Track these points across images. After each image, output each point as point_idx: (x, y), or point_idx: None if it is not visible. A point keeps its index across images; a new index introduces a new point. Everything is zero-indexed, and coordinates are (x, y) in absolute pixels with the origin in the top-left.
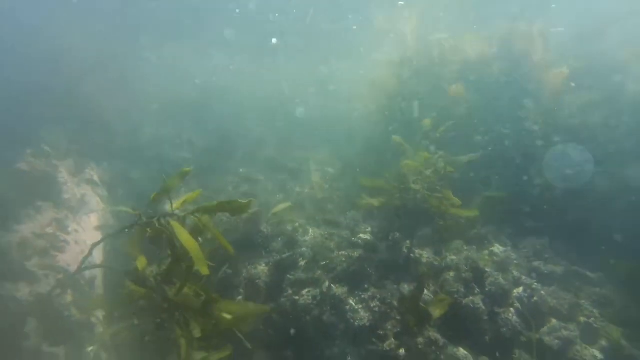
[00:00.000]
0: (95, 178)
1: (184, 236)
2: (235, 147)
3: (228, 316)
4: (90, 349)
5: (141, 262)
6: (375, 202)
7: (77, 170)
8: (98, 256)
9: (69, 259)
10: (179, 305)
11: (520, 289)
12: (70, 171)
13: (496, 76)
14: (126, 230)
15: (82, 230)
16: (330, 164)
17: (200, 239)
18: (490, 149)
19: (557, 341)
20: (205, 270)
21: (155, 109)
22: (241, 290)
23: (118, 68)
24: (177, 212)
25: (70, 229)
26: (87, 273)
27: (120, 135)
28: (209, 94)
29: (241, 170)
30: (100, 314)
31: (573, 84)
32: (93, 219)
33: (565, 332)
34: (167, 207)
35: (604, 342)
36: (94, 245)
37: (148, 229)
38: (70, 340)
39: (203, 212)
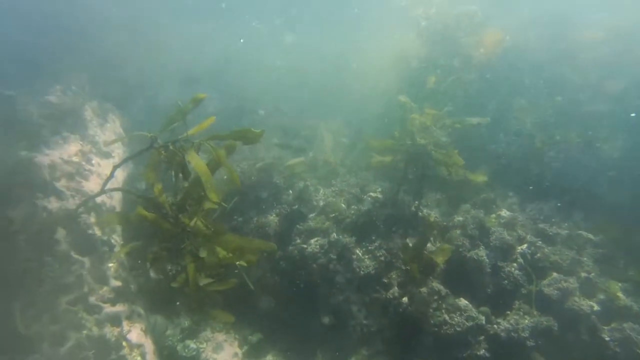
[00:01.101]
0: (117, 123)
1: (195, 160)
2: (252, 113)
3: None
4: (110, 264)
5: (157, 188)
6: (384, 159)
7: (101, 113)
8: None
9: (93, 187)
10: (190, 233)
11: (525, 246)
12: (95, 112)
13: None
14: (144, 152)
15: (104, 166)
16: (344, 133)
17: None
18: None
19: (556, 292)
20: (214, 197)
21: (177, 75)
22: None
23: (146, 32)
24: (191, 138)
25: (93, 162)
26: (108, 202)
27: (140, 94)
28: (231, 64)
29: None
30: (119, 237)
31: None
32: (115, 156)
33: (564, 284)
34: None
35: (601, 296)
36: (116, 166)
37: (163, 152)
38: (94, 253)
39: (216, 139)
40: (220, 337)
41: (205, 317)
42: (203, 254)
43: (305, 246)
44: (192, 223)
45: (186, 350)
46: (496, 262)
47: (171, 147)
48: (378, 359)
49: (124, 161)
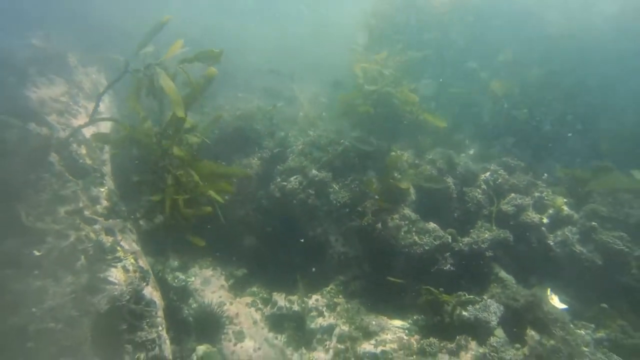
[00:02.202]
0: (102, 75)
1: (165, 81)
2: (235, 77)
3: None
4: (102, 189)
5: (141, 114)
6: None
7: (86, 63)
8: (106, 125)
9: (81, 124)
10: (170, 156)
11: (487, 174)
12: (80, 61)
13: None
14: (120, 78)
15: (91, 108)
16: (322, 94)
17: None
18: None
19: (512, 208)
20: (180, 113)
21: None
22: (234, 180)
23: None
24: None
25: (80, 104)
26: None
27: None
28: (212, 30)
29: (239, 94)
30: (108, 168)
31: None
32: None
33: (519, 201)
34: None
35: (550, 211)
36: (100, 95)
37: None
38: (86, 177)
39: (185, 62)
40: (208, 272)
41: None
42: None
43: (285, 184)
44: (173, 149)
45: (176, 281)
46: (462, 189)
47: (142, 70)
48: (355, 283)
49: (107, 88)
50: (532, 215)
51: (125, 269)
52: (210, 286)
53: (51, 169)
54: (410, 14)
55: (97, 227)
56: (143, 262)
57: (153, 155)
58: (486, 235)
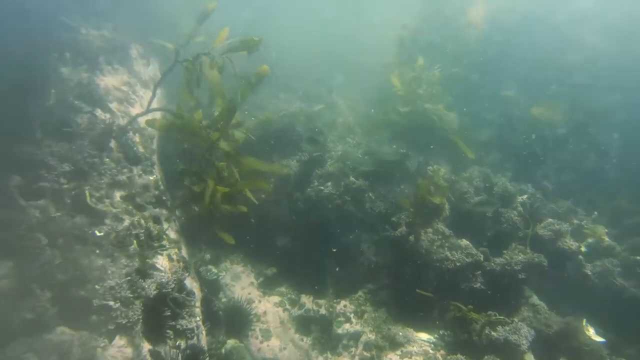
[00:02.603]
0: (157, 66)
1: (209, 72)
2: (276, 76)
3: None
4: (151, 177)
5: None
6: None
7: (145, 55)
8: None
9: (137, 112)
10: (216, 148)
11: (525, 196)
12: (140, 53)
13: None
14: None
15: (147, 99)
16: (359, 100)
17: None
18: None
19: (549, 233)
20: (220, 102)
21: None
22: (272, 180)
23: None
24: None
25: (138, 94)
26: (149, 130)
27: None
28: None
29: (281, 94)
30: (156, 158)
31: None
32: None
33: (557, 227)
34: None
35: (590, 240)
36: (155, 86)
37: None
38: (139, 165)
39: (231, 51)
40: (238, 268)
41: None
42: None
43: (322, 188)
44: (220, 142)
45: (208, 274)
46: (498, 209)
47: (190, 61)
48: (383, 292)
49: (160, 81)
50: (570, 243)
51: (170, 258)
52: (240, 282)
53: (111, 155)
54: (439, 27)
55: (146, 214)
56: (185, 252)
57: (200, 146)
58: (520, 257)
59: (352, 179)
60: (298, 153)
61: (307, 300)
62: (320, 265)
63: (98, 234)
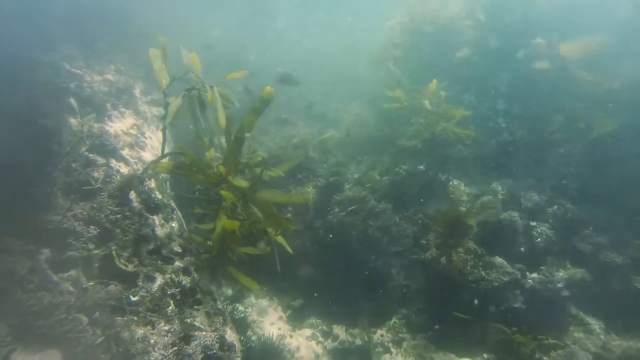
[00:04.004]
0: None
1: (212, 98)
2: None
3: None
4: (173, 224)
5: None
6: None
7: (147, 92)
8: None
9: (149, 156)
10: (229, 184)
11: (555, 207)
12: (142, 91)
13: None
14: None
15: (155, 139)
16: (365, 114)
17: None
18: None
19: (589, 246)
20: (222, 122)
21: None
22: (290, 209)
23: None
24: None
25: (146, 135)
26: (162, 175)
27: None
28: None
29: (283, 115)
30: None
31: None
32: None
33: (597, 239)
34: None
35: (630, 252)
36: (164, 127)
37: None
38: (159, 213)
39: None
40: (264, 302)
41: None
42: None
43: (344, 214)
44: (231, 177)
45: (235, 312)
46: (528, 223)
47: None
48: (418, 317)
49: (166, 123)
50: (613, 255)
51: (207, 313)
52: (267, 317)
53: (132, 207)
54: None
55: (175, 266)
56: (220, 303)
57: (210, 184)
58: (560, 273)
59: (373, 202)
60: (314, 179)
61: (340, 331)
62: (349, 293)
63: (133, 299)
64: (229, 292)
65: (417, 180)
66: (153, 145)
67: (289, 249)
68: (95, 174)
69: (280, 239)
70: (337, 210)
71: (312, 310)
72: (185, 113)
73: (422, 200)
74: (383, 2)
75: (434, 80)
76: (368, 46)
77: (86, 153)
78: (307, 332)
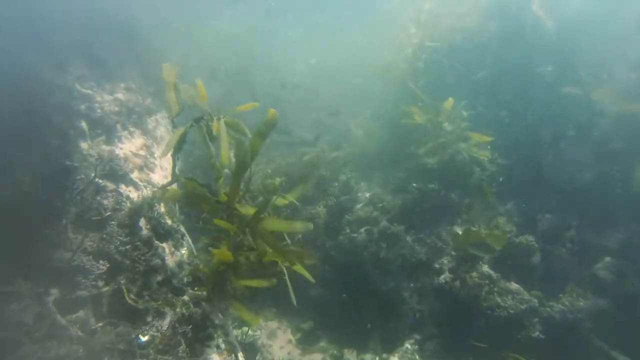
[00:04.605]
0: (168, 120)
1: (217, 129)
2: (284, 109)
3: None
4: (183, 250)
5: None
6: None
7: (155, 109)
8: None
9: (158, 178)
10: (235, 213)
11: (572, 231)
12: (151, 109)
13: None
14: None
15: (165, 159)
16: (373, 126)
17: None
18: None
19: (610, 275)
20: (225, 159)
21: (209, 69)
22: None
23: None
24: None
25: (156, 155)
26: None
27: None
28: (255, 60)
29: (292, 128)
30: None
31: None
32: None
33: (620, 267)
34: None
35: None
36: (175, 154)
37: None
38: (169, 240)
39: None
40: (273, 325)
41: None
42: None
43: (355, 235)
44: (237, 204)
45: (244, 337)
46: (545, 247)
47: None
48: (431, 343)
49: (177, 149)
50: (638, 284)
51: (219, 348)
52: (277, 340)
53: (141, 236)
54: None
55: (186, 298)
56: (232, 337)
57: (216, 212)
58: (581, 303)
59: (385, 223)
60: (324, 198)
61: (351, 356)
62: (360, 317)
63: (143, 339)
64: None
65: (429, 200)
66: (162, 166)
67: (311, 279)
68: (105, 202)
69: (299, 268)
70: (348, 231)
71: (323, 333)
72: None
73: (434, 221)
74: (380, 17)
75: (450, 99)
76: (374, 61)
77: (96, 179)
78: (318, 356)
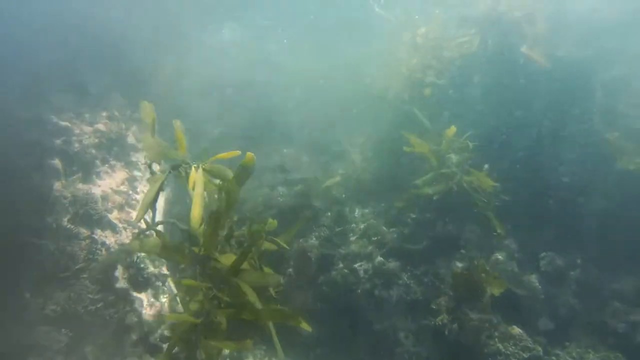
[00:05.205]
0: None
1: (192, 179)
2: (277, 127)
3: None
4: (164, 299)
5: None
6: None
7: (140, 138)
8: (160, 214)
9: None
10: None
11: (578, 271)
12: (136, 136)
13: None
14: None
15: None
16: (370, 146)
17: None
18: None
19: (622, 325)
20: (195, 217)
21: (199, 87)
22: (291, 263)
23: (167, 43)
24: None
25: (139, 190)
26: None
27: (169, 110)
28: (250, 72)
29: (284, 150)
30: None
31: None
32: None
33: (632, 317)
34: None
35: None
36: (153, 202)
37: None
38: (149, 288)
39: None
40: None
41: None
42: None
43: (348, 271)
44: (217, 253)
45: None
46: (549, 289)
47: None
48: None
49: (155, 195)
50: None
51: None
52: None
53: (117, 289)
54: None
55: (162, 357)
56: None
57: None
58: (590, 355)
59: (380, 258)
60: (317, 229)
61: None
62: (352, 357)
63: None
64: (226, 352)
65: (426, 234)
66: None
67: (308, 327)
68: (77, 250)
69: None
70: (341, 265)
71: None
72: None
73: (432, 256)
74: (378, 38)
75: (453, 127)
76: (372, 83)
77: (68, 225)
78: None
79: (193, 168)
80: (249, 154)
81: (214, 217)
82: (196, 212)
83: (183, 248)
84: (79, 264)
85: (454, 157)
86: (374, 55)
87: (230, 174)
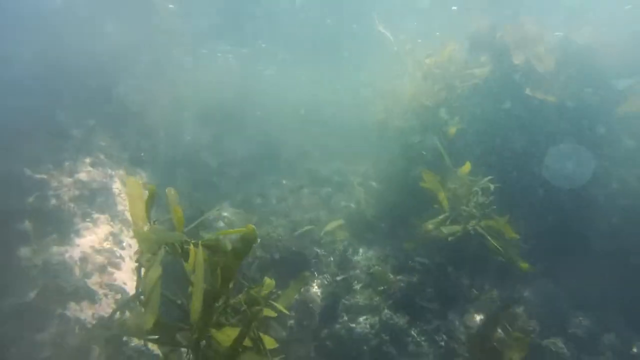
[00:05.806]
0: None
1: (192, 261)
2: (277, 158)
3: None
4: None
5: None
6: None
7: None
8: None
9: (125, 276)
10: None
11: (612, 335)
12: (123, 181)
13: None
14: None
15: (135, 246)
16: (372, 177)
17: None
18: None
19: None
20: (195, 314)
21: (195, 115)
22: (292, 314)
23: (157, 71)
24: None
25: (124, 244)
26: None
27: (162, 141)
28: (246, 99)
29: (284, 181)
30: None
31: None
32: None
33: None
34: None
35: None
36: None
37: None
38: None
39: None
40: None
41: None
42: None
43: (353, 325)
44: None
45: None
46: (579, 356)
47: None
48: None
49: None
50: None
51: None
52: None
53: None
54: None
55: None
56: None
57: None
58: None
59: (387, 311)
60: (319, 276)
61: None
62: None
63: None
64: None
65: (437, 283)
66: (132, 256)
67: None
68: (45, 336)
69: None
70: (346, 318)
71: None
72: None
73: (444, 309)
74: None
75: (468, 164)
76: (378, 114)
77: (34, 302)
78: None
79: (192, 246)
80: (250, 226)
81: (210, 296)
82: (197, 304)
83: (174, 330)
84: (44, 353)
85: (474, 199)
86: (376, 80)
87: (227, 246)
